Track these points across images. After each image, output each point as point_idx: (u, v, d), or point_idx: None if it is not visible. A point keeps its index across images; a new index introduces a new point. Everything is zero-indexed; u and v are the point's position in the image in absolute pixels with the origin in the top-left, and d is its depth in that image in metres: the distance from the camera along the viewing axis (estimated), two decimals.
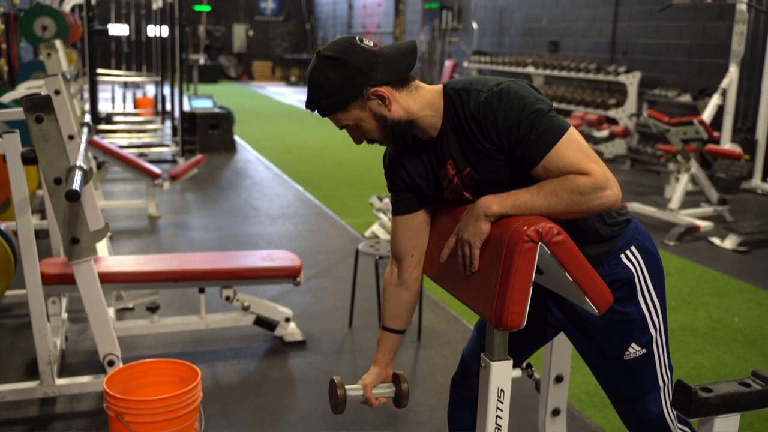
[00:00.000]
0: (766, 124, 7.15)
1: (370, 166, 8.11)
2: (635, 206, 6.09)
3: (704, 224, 5.63)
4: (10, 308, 3.79)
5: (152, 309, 3.36)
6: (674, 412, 1.84)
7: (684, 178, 5.95)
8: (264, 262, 3.39)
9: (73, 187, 2.27)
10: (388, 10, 17.38)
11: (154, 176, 5.69)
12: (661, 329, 1.78)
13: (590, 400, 2.98)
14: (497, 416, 1.63)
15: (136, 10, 14.12)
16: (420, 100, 1.65)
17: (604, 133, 8.91)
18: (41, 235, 4.16)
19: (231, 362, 3.30)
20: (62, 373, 3.02)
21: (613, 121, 9.07)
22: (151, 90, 13.51)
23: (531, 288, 1.52)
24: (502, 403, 1.63)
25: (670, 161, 6.69)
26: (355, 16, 19.51)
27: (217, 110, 9.02)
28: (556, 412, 2.27)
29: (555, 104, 9.62)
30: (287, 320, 3.49)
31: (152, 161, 7.47)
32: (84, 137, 3.15)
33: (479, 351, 1.81)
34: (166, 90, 10.36)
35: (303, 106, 14.97)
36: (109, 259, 3.46)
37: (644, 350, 1.76)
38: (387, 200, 5.13)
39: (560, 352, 2.20)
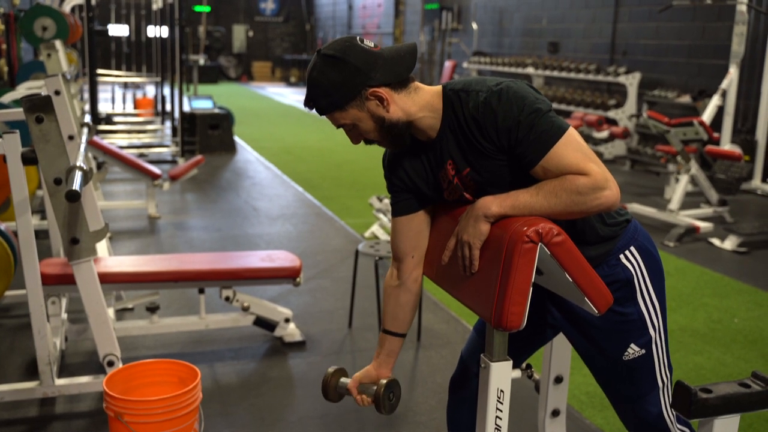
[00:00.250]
0: (766, 125, 7.15)
1: (370, 167, 8.11)
2: (635, 207, 6.09)
3: (704, 225, 5.63)
4: (9, 308, 3.79)
5: (152, 309, 3.36)
6: (673, 413, 1.84)
7: (684, 179, 5.95)
8: (264, 263, 3.39)
9: (73, 188, 2.27)
10: (388, 10, 17.39)
11: (154, 177, 5.69)
12: (660, 330, 1.78)
13: (590, 401, 2.99)
14: (497, 417, 1.63)
15: (136, 11, 14.13)
16: (419, 102, 1.65)
17: (603, 134, 8.91)
18: (41, 235, 4.16)
19: (231, 363, 3.30)
20: (62, 374, 3.02)
21: (612, 122, 9.07)
22: (151, 90, 13.51)
23: (531, 289, 1.52)
24: (502, 403, 1.63)
25: (669, 162, 6.69)
26: (355, 17, 19.51)
27: (216, 111, 9.02)
28: (555, 413, 2.27)
29: (555, 105, 9.62)
30: (287, 321, 3.49)
31: (152, 162, 7.48)
32: (84, 137, 3.15)
33: (478, 351, 1.81)
34: (166, 90, 10.36)
35: (303, 106, 14.96)
36: (109, 259, 3.46)
37: (643, 351, 1.76)
38: (387, 201, 5.13)
39: (560, 353, 2.20)
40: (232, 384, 3.10)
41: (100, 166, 5.39)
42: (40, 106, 2.44)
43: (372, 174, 7.74)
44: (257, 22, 22.54)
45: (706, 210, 6.06)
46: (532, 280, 1.52)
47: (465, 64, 12.72)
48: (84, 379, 2.79)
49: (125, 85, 13.36)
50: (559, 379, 2.24)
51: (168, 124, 10.29)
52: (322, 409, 2.90)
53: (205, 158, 6.86)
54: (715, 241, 5.43)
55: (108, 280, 3.10)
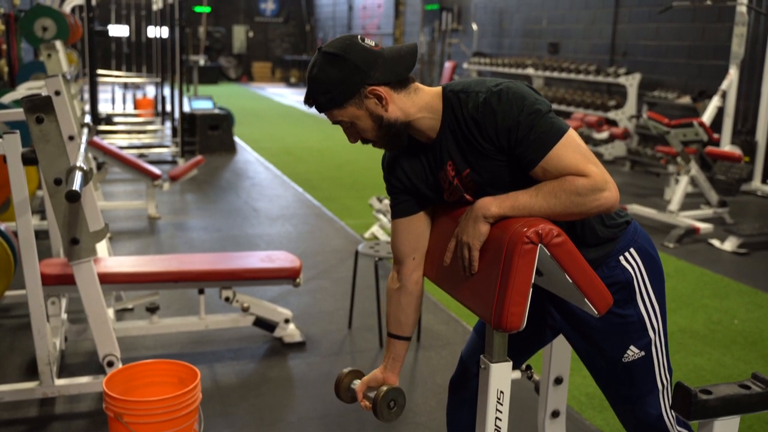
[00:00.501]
0: (766, 126, 7.15)
1: (370, 168, 8.11)
2: (635, 208, 6.09)
3: (704, 226, 5.63)
4: (9, 309, 3.79)
5: (152, 310, 3.36)
6: (673, 415, 1.84)
7: (684, 180, 5.95)
8: (263, 263, 3.39)
9: (73, 188, 2.27)
10: (388, 11, 17.39)
11: (154, 177, 5.69)
12: (660, 332, 1.78)
13: (590, 402, 2.98)
14: (497, 418, 1.63)
15: (136, 11, 14.13)
16: (418, 103, 1.65)
17: (603, 134, 8.91)
18: (41, 235, 4.16)
19: (230, 363, 3.30)
20: (62, 374, 3.02)
21: (612, 123, 9.07)
22: (151, 91, 13.52)
23: (531, 289, 1.52)
24: (502, 404, 1.63)
25: (669, 163, 6.69)
26: (355, 18, 19.52)
27: (216, 111, 9.02)
28: (555, 414, 2.27)
29: (554, 106, 9.63)
30: (287, 321, 3.49)
31: (152, 162, 7.48)
32: (84, 138, 3.15)
33: (478, 352, 1.81)
34: (166, 91, 10.36)
35: (303, 107, 14.98)
36: (109, 259, 3.46)
37: (643, 353, 1.76)
38: (387, 201, 5.13)
39: (560, 354, 2.20)
40: (232, 384, 3.10)
41: (100, 166, 5.39)
42: (40, 107, 2.44)
43: (372, 174, 7.74)
44: (257, 23, 22.54)
45: (706, 211, 6.06)
46: (532, 281, 1.52)
47: (465, 65, 12.72)
48: (84, 380, 2.79)
49: (125, 86, 13.37)
50: (558, 380, 2.24)
51: (168, 124, 10.29)
52: (322, 410, 2.90)
53: (205, 159, 6.86)
54: (715, 242, 5.44)
55: (108, 280, 3.10)
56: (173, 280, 3.25)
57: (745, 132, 7.50)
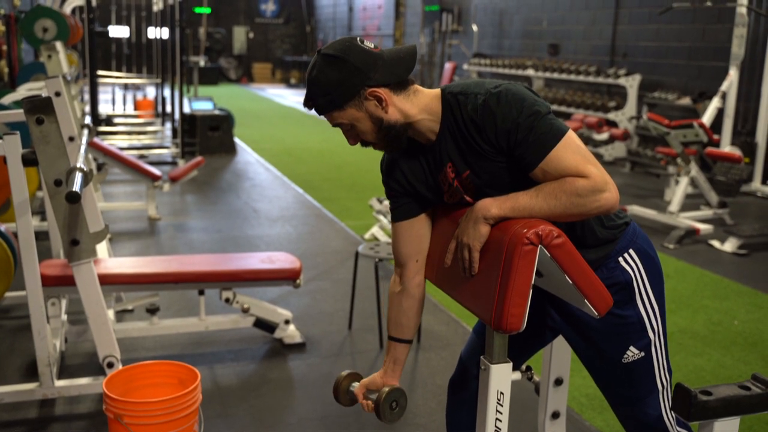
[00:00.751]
0: (766, 127, 7.15)
1: (370, 169, 8.11)
2: (635, 209, 6.09)
3: (704, 227, 5.63)
4: (9, 310, 3.79)
5: (152, 311, 3.36)
6: (673, 415, 1.84)
7: (684, 181, 5.96)
8: (263, 264, 3.39)
9: (73, 189, 2.27)
10: (388, 12, 17.40)
11: (154, 178, 5.69)
12: (659, 332, 1.78)
13: (590, 403, 2.98)
14: (497, 419, 1.63)
15: (136, 12, 14.14)
16: (418, 104, 1.65)
17: (603, 135, 8.91)
18: (41, 236, 4.16)
19: (230, 364, 3.29)
20: (62, 375, 3.02)
21: (613, 124, 9.07)
22: (151, 92, 13.53)
23: (531, 291, 1.52)
24: (502, 405, 1.63)
25: (669, 164, 6.69)
26: (356, 19, 19.53)
27: (217, 112, 9.02)
28: (555, 415, 2.27)
29: (555, 107, 9.64)
30: (287, 322, 3.49)
31: (152, 163, 7.48)
32: (84, 139, 3.15)
33: (477, 353, 1.81)
34: (167, 92, 10.37)
35: (303, 108, 14.97)
36: (109, 260, 3.46)
37: (642, 353, 1.76)
38: (387, 203, 5.13)
39: (560, 355, 2.20)
40: (232, 385, 3.10)
41: (100, 167, 5.40)
42: (40, 108, 2.44)
43: (372, 176, 7.75)
44: (257, 24, 22.56)
45: (706, 212, 6.06)
46: (532, 282, 1.52)
47: (465, 66, 12.72)
48: (84, 381, 2.79)
49: (125, 87, 13.38)
50: (559, 381, 2.24)
51: (168, 125, 10.30)
52: (322, 411, 2.90)
53: (205, 160, 6.86)
54: (715, 243, 5.43)
55: (108, 281, 3.10)
56: (173, 281, 3.25)
57: (745, 133, 7.50)
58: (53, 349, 2.87)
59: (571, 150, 1.54)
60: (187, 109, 8.96)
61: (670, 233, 5.56)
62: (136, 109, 11.92)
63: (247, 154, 9.10)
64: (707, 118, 6.49)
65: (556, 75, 10.17)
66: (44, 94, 2.96)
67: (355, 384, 1.87)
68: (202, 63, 17.64)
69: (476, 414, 1.70)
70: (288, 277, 3.35)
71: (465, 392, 1.93)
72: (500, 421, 1.63)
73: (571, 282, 1.54)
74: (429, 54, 14.87)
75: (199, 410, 2.39)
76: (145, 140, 9.60)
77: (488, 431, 1.63)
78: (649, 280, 1.75)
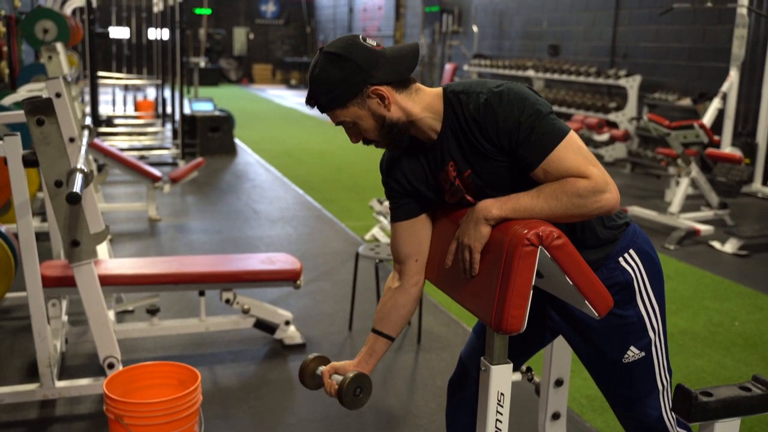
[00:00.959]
0: (766, 128, 7.15)
1: (370, 169, 8.11)
2: (635, 210, 6.09)
3: (704, 228, 5.63)
4: (10, 310, 3.79)
5: (152, 312, 3.36)
6: (674, 416, 1.84)
7: (684, 181, 5.95)
8: (264, 265, 3.39)
9: (74, 190, 2.27)
10: (389, 13, 17.40)
11: (155, 179, 5.69)
12: (660, 332, 1.78)
13: (590, 404, 2.98)
14: (497, 420, 1.63)
15: (137, 13, 14.15)
16: (420, 103, 1.65)
17: (604, 136, 8.91)
18: (42, 237, 4.16)
19: (231, 365, 3.29)
20: (62, 376, 3.02)
21: (613, 125, 9.07)
22: (151, 93, 13.52)
23: (531, 292, 1.52)
24: (502, 406, 1.63)
25: (670, 165, 6.69)
26: (356, 20, 19.53)
27: (217, 113, 9.03)
28: (556, 416, 2.27)
29: (555, 108, 9.62)
30: (287, 323, 3.49)
31: (152, 164, 7.49)
32: (85, 140, 3.16)
33: (477, 354, 1.81)
34: (167, 93, 10.37)
35: (303, 109, 14.98)
36: (110, 261, 3.46)
37: (643, 353, 1.76)
38: (387, 203, 5.13)
39: (560, 356, 2.20)
40: (232, 386, 3.10)
41: (100, 168, 5.40)
42: (41, 109, 2.44)
43: (372, 176, 7.75)
44: (258, 25, 22.56)
45: (707, 213, 6.06)
46: (533, 283, 1.52)
47: (465, 67, 12.73)
48: (84, 382, 2.79)
49: (126, 88, 13.39)
50: (559, 382, 2.24)
51: (168, 126, 10.30)
52: (322, 412, 2.90)
53: (205, 161, 6.87)
54: (716, 244, 5.43)
55: (108, 282, 3.10)
56: (174, 282, 3.25)
57: (745, 134, 7.50)
58: (54, 349, 2.87)
59: (572, 150, 1.54)
60: (187, 110, 8.96)
61: (670, 234, 5.56)
62: (136, 110, 11.93)
63: (247, 155, 9.10)
64: (708, 119, 6.49)
65: (556, 76, 10.17)
66: (45, 95, 2.97)
67: (323, 367, 1.81)
68: (202, 64, 17.63)
69: (476, 415, 1.70)
70: (288, 278, 3.35)
71: (465, 393, 1.93)
72: (500, 422, 1.63)
73: (571, 283, 1.54)
74: (429, 55, 14.88)
75: (200, 411, 2.39)
76: (146, 141, 9.60)
77: None
78: (649, 281, 1.75)
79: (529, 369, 2.52)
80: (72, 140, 3.11)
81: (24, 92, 4.19)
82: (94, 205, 3.27)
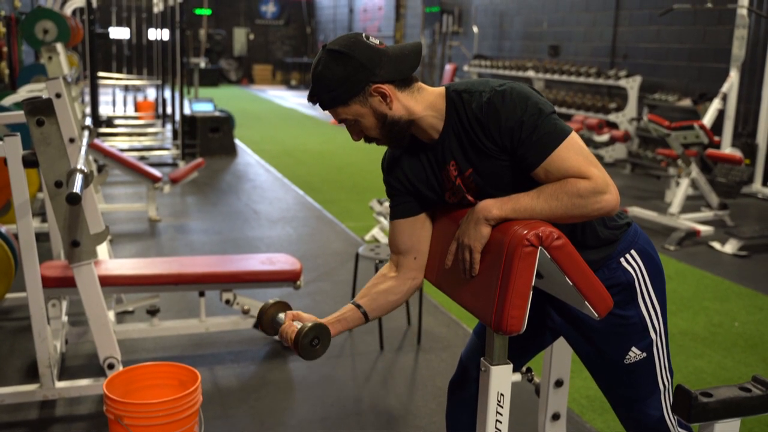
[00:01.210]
0: (766, 128, 7.15)
1: (371, 170, 8.11)
2: (636, 210, 6.09)
3: (705, 229, 5.63)
4: (10, 311, 3.79)
5: (152, 312, 3.36)
6: (675, 417, 1.84)
7: (684, 182, 5.95)
8: (264, 266, 3.39)
9: (74, 190, 2.27)
10: (389, 13, 17.41)
11: (155, 179, 5.69)
12: (661, 333, 1.78)
13: (590, 405, 2.98)
14: (497, 420, 1.63)
15: (137, 14, 14.15)
16: (422, 102, 1.65)
17: (604, 137, 8.91)
18: (42, 238, 4.16)
19: (231, 365, 3.29)
20: (62, 376, 3.02)
21: (613, 126, 9.07)
22: (151, 93, 13.52)
23: (531, 292, 1.52)
24: (502, 407, 1.63)
25: (670, 166, 6.69)
26: (356, 20, 19.54)
27: (217, 114, 9.03)
28: (556, 417, 2.27)
29: (555, 108, 9.61)
30: None
31: (153, 164, 7.49)
32: (85, 140, 3.16)
33: (477, 354, 1.81)
34: (167, 93, 10.37)
35: (303, 109, 14.98)
36: (110, 262, 3.46)
37: (644, 354, 1.76)
38: (387, 204, 5.12)
39: (560, 357, 2.20)
40: (232, 387, 3.10)
41: (100, 168, 5.39)
42: (41, 109, 2.44)
43: (372, 177, 7.75)
44: (258, 25, 22.56)
45: (707, 213, 6.06)
46: (533, 283, 1.52)
47: (466, 68, 12.73)
48: (84, 382, 2.79)
49: (126, 88, 13.38)
50: (559, 383, 2.24)
51: (169, 127, 10.30)
52: (322, 413, 2.90)
53: (205, 161, 6.87)
54: (716, 245, 5.43)
55: (108, 282, 3.10)
56: (174, 282, 3.25)
57: (745, 134, 7.50)
58: (54, 350, 2.87)
59: (573, 151, 1.54)
60: (187, 111, 8.96)
61: (670, 235, 5.56)
62: (136, 110, 11.92)
63: (247, 156, 9.10)
64: (708, 119, 6.49)
65: (556, 76, 10.17)
66: (45, 95, 2.97)
67: (282, 315, 1.75)
68: (202, 64, 17.63)
69: (476, 415, 1.70)
70: (288, 278, 3.35)
71: (465, 394, 1.93)
72: (500, 422, 1.63)
73: (571, 283, 1.54)
74: (429, 55, 14.88)
75: (200, 411, 2.39)
76: (146, 142, 9.60)
77: None
78: (650, 281, 1.75)
79: (529, 369, 2.52)
80: (72, 141, 3.11)
81: (24, 93, 4.19)
82: (94, 205, 3.27)
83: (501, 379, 1.62)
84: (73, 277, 2.61)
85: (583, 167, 1.53)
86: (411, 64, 1.63)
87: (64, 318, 3.32)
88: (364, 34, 1.61)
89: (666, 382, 1.81)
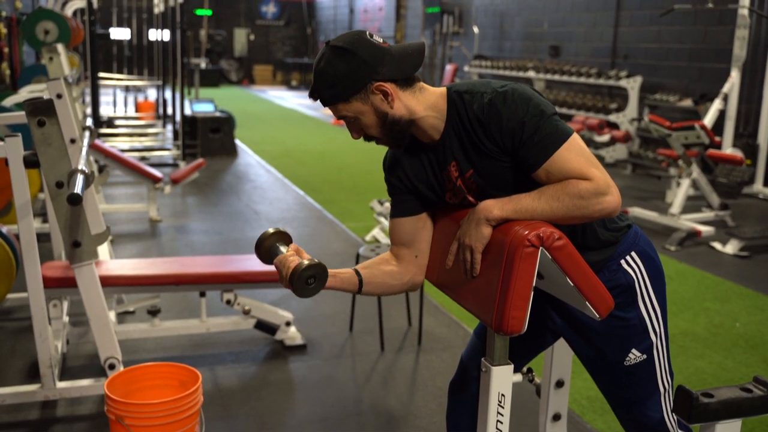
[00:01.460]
0: (767, 129, 7.15)
1: (371, 170, 8.12)
2: (636, 211, 6.09)
3: (705, 229, 5.63)
4: (11, 311, 3.79)
5: (153, 312, 3.36)
6: (675, 418, 1.84)
7: (685, 182, 5.95)
8: (265, 266, 3.39)
9: (75, 191, 2.27)
10: (389, 14, 17.41)
11: (156, 180, 5.69)
12: (661, 335, 1.78)
13: (591, 405, 2.98)
14: (498, 421, 1.63)
15: (137, 14, 14.16)
16: (423, 102, 1.65)
17: (605, 137, 8.91)
18: (43, 238, 4.16)
19: (231, 366, 3.30)
20: (63, 377, 3.02)
21: (614, 126, 9.07)
22: (152, 94, 13.52)
23: (532, 293, 1.52)
24: (503, 407, 1.63)
25: (671, 166, 6.69)
26: (356, 21, 19.54)
27: (218, 114, 9.03)
28: (556, 417, 2.27)
29: (556, 109, 9.62)
30: (288, 324, 3.49)
31: (153, 165, 7.49)
32: (86, 141, 3.16)
33: (478, 355, 1.81)
34: (168, 94, 10.37)
35: (304, 110, 14.99)
36: (111, 262, 3.46)
37: (644, 356, 1.76)
38: (388, 204, 5.13)
39: (561, 357, 2.20)
40: (233, 387, 3.10)
41: (101, 169, 5.40)
42: (42, 110, 2.44)
43: (373, 177, 7.75)
44: (258, 26, 22.57)
45: (708, 214, 6.05)
46: (533, 284, 1.52)
47: (466, 68, 12.73)
48: (85, 382, 2.79)
49: (127, 89, 13.39)
50: (560, 384, 2.24)
51: (169, 127, 10.31)
52: (323, 413, 2.90)
53: (206, 161, 6.87)
54: (717, 245, 5.43)
55: (109, 283, 3.10)
56: (174, 282, 3.25)
57: (746, 135, 7.50)
58: (55, 350, 2.87)
59: (575, 152, 1.54)
60: (188, 111, 8.97)
61: (671, 235, 5.56)
62: (137, 111, 11.93)
63: (247, 156, 9.10)
64: (709, 119, 6.49)
65: (557, 77, 10.17)
66: (46, 96, 2.97)
67: (284, 247, 1.70)
68: (203, 65, 17.64)
69: (477, 416, 1.70)
70: None
71: (466, 394, 1.93)
72: (501, 423, 1.63)
73: (572, 284, 1.54)
74: (430, 56, 14.88)
75: (200, 412, 2.39)
76: (147, 142, 9.61)
77: None
78: (651, 283, 1.75)
79: (529, 370, 2.52)
80: (73, 141, 3.11)
81: (25, 93, 4.20)
82: (95, 206, 3.27)
83: (502, 379, 1.62)
84: (74, 278, 2.61)
85: (584, 168, 1.53)
86: (414, 63, 1.63)
87: (65, 318, 3.32)
88: (367, 32, 1.61)
89: (666, 384, 1.81)
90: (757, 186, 7.24)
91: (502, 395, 1.62)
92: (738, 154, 6.51)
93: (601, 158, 8.64)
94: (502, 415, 1.63)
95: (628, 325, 1.74)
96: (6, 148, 2.46)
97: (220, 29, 21.55)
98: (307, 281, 1.59)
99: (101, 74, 10.09)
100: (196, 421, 2.35)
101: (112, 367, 2.62)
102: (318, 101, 1.64)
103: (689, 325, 3.90)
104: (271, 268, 3.35)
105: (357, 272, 1.72)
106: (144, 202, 6.11)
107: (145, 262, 3.56)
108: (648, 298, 1.75)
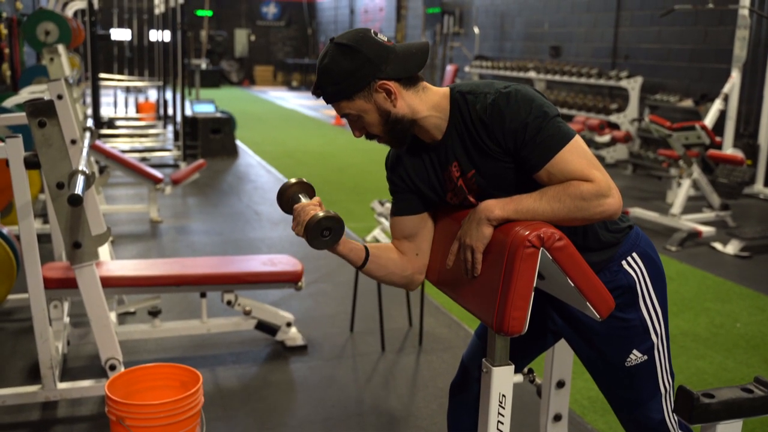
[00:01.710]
0: None
1: (372, 171, 8.12)
2: (637, 211, 6.09)
3: (706, 229, 5.63)
4: (12, 312, 3.79)
5: (154, 313, 3.36)
6: (676, 419, 1.84)
7: (686, 183, 5.95)
8: (265, 267, 3.39)
9: (76, 192, 2.27)
10: (390, 15, 17.41)
11: (156, 181, 5.70)
12: (662, 336, 1.78)
13: (592, 406, 2.98)
14: (498, 421, 1.63)
15: (138, 15, 14.17)
16: (426, 101, 1.65)
17: (605, 138, 8.91)
18: (43, 239, 4.16)
19: (232, 367, 3.30)
20: (64, 377, 3.02)
21: (614, 126, 9.07)
22: (153, 94, 13.53)
23: (533, 293, 1.52)
24: (504, 408, 1.63)
25: (672, 166, 6.69)
26: (357, 21, 19.55)
27: (218, 115, 9.04)
28: (557, 418, 2.27)
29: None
30: (288, 325, 3.49)
31: (154, 166, 7.49)
32: (86, 142, 3.16)
33: (479, 356, 1.81)
34: (168, 94, 10.38)
35: (305, 110, 14.99)
36: (111, 263, 3.46)
37: (645, 357, 1.76)
38: (388, 205, 5.12)
39: (562, 358, 2.20)
40: (234, 388, 3.10)
41: (102, 170, 5.40)
42: (42, 111, 2.44)
43: (373, 178, 7.75)
44: (259, 27, 22.59)
45: (709, 214, 6.05)
46: (534, 284, 1.51)
47: (467, 68, 12.73)
48: (86, 383, 2.79)
49: (127, 89, 13.39)
50: (560, 384, 2.24)
51: (170, 128, 10.31)
52: (324, 414, 2.90)
53: (206, 162, 6.87)
54: (718, 246, 5.43)
55: (110, 284, 3.10)
56: (175, 283, 3.25)
57: (747, 135, 7.50)
58: (55, 351, 2.87)
59: (577, 154, 1.55)
60: (188, 112, 8.98)
61: (672, 236, 5.55)
62: (137, 111, 11.94)
63: (248, 157, 9.11)
64: (709, 120, 6.49)
65: (557, 77, 10.17)
66: (46, 97, 2.98)
67: (306, 198, 1.73)
68: (203, 66, 17.66)
69: (478, 417, 1.70)
70: (290, 279, 3.35)
71: (466, 395, 1.93)
72: (502, 423, 1.63)
73: (572, 285, 1.54)
74: (430, 56, 14.80)
75: (201, 413, 2.39)
76: (147, 143, 9.61)
77: None
78: (652, 284, 1.75)
79: (530, 370, 2.52)
80: (74, 142, 3.11)
81: (26, 94, 4.20)
82: (96, 206, 3.27)
83: (503, 380, 1.62)
84: (74, 279, 2.61)
85: (586, 170, 1.53)
86: (417, 62, 1.64)
87: (66, 319, 3.32)
88: (372, 30, 1.61)
89: (667, 385, 1.81)
90: (758, 186, 7.23)
91: (503, 396, 1.62)
92: (738, 154, 6.51)
93: (601, 159, 8.65)
94: (503, 415, 1.63)
95: (629, 326, 1.74)
96: (7, 149, 2.46)
97: (221, 30, 21.56)
98: (322, 232, 1.60)
99: (102, 75, 10.10)
100: (197, 421, 2.35)
101: (112, 367, 2.62)
102: (321, 98, 1.65)
103: (690, 326, 3.90)
104: (272, 268, 3.38)
105: (366, 249, 1.75)
106: (145, 202, 6.12)
107: (145, 262, 3.56)
108: (649, 299, 1.74)
